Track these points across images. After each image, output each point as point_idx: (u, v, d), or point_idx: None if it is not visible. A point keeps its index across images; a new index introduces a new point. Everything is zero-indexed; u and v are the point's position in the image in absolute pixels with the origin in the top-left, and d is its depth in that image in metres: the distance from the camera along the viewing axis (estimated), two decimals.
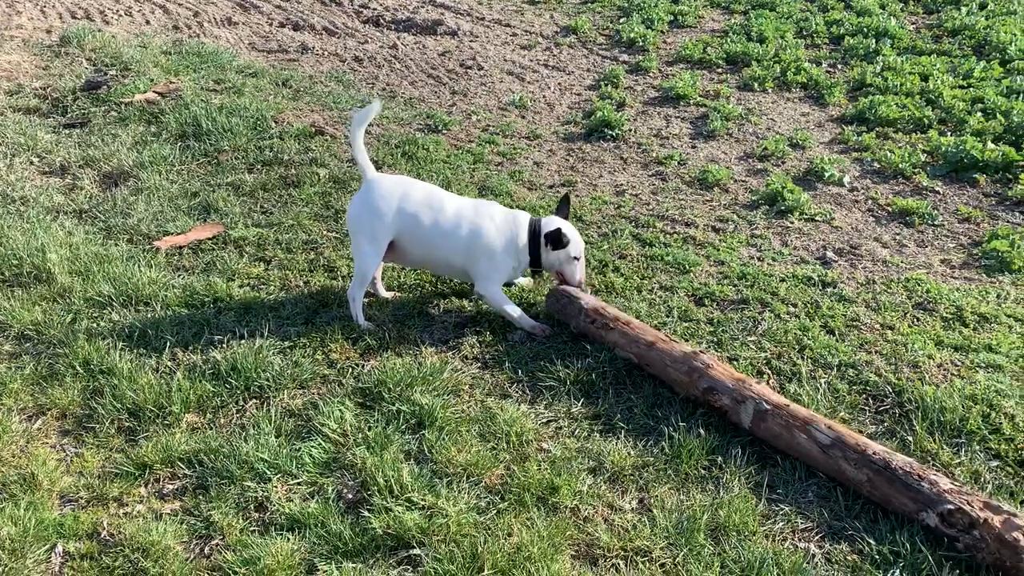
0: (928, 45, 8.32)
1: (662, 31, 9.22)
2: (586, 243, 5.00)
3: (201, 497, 3.20)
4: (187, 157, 6.04)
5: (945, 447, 3.35)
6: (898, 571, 2.82)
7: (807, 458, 3.26)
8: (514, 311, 4.18)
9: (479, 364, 3.98)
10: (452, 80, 7.89)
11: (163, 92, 7.08)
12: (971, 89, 7.11)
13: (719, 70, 8.14)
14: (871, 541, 2.94)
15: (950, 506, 2.86)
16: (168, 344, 4.00)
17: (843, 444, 3.16)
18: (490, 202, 4.32)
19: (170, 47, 8.32)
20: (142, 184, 5.63)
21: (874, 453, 3.10)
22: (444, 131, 6.64)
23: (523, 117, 7.09)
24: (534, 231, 4.20)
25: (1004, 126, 6.32)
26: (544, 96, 7.56)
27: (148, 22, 9.39)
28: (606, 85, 7.67)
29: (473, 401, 3.73)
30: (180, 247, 4.89)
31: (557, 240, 4.15)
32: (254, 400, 3.68)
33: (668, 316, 4.26)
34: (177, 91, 7.06)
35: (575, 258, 4.20)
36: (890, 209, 5.48)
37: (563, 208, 4.37)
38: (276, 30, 9.32)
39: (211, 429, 3.52)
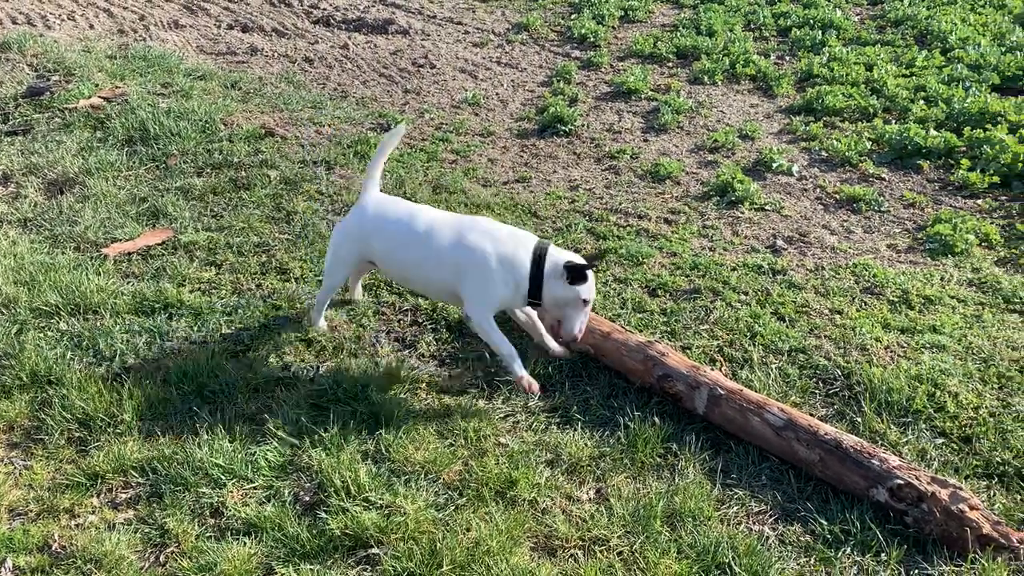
0: (872, 36, 8.48)
1: (613, 26, 9.28)
2: (541, 239, 5.01)
3: (155, 505, 3.16)
4: (135, 162, 5.94)
5: (893, 427, 3.42)
6: (849, 549, 2.89)
7: (761, 441, 3.31)
8: (504, 347, 3.66)
9: (436, 362, 3.98)
10: (404, 79, 7.86)
11: (109, 97, 6.95)
12: (914, 78, 7.27)
13: (670, 64, 8.22)
14: (823, 521, 3.00)
15: (899, 481, 2.93)
16: (118, 352, 3.94)
17: (795, 426, 3.22)
18: (488, 218, 3.91)
19: (115, 51, 8.17)
20: (88, 191, 5.53)
21: (825, 434, 3.16)
22: None
23: (476, 115, 7.09)
24: (538, 255, 3.64)
25: (946, 113, 6.47)
26: (497, 93, 7.57)
27: (92, 26, 9.21)
28: (558, 81, 7.70)
29: (431, 399, 3.73)
30: (129, 254, 4.81)
31: (578, 273, 3.57)
32: (207, 406, 3.63)
33: (622, 308, 4.30)
34: (123, 96, 6.94)
35: (584, 301, 3.62)
36: (838, 197, 5.58)
37: (590, 259, 3.78)
38: (224, 32, 9.20)
39: (164, 436, 3.47)
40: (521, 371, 3.65)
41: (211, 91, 7.22)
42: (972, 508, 2.83)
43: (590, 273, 3.60)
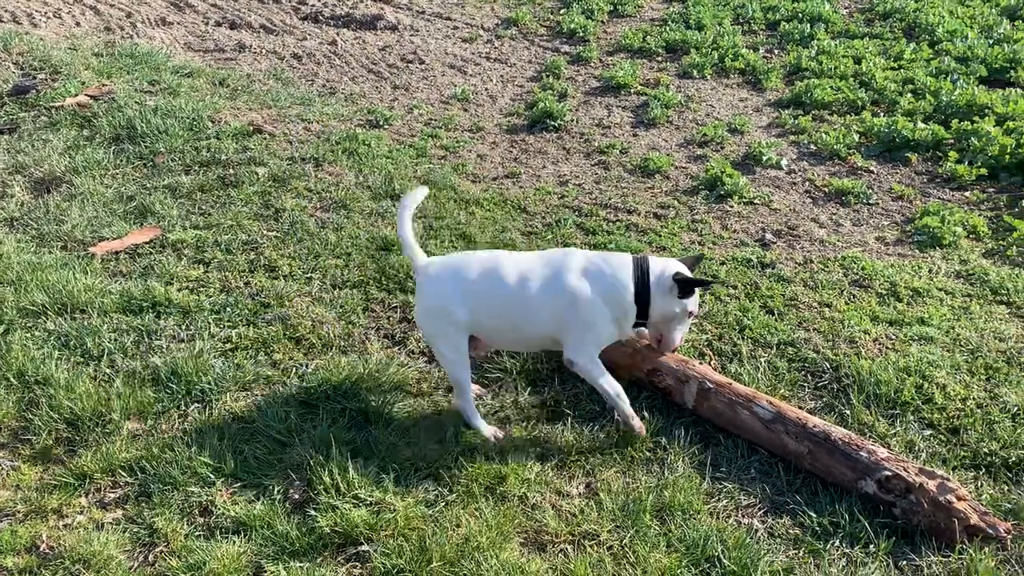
0: (860, 29, 8.49)
1: (602, 21, 9.27)
2: (531, 234, 5.02)
3: (144, 504, 3.15)
4: (122, 161, 5.91)
5: (881, 419, 3.43)
6: (838, 541, 2.90)
7: (750, 434, 3.32)
8: (613, 387, 3.37)
9: (425, 359, 3.98)
10: (393, 75, 7.84)
11: (95, 95, 6.92)
12: (902, 71, 7.29)
13: (659, 58, 8.21)
14: (811, 513, 3.00)
15: (887, 472, 2.94)
16: (106, 351, 3.92)
17: (784, 419, 3.23)
18: (569, 249, 3.56)
19: (102, 49, 8.13)
20: (76, 190, 5.50)
21: (814, 426, 3.17)
22: (386, 126, 6.60)
23: (465, 110, 7.07)
24: (641, 271, 3.34)
25: (934, 106, 6.49)
26: (486, 89, 7.56)
27: (79, 24, 9.15)
28: (548, 76, 7.69)
29: (420, 396, 3.72)
30: (116, 252, 4.79)
31: (689, 286, 3.33)
32: (196, 404, 3.62)
33: None
34: (110, 94, 6.91)
35: (690, 314, 3.43)
36: (826, 190, 5.59)
37: (691, 261, 3.56)
38: (212, 29, 9.15)
39: (153, 435, 3.46)
40: (631, 412, 3.38)
41: (199, 88, 7.19)
42: (959, 499, 2.85)
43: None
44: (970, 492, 3.05)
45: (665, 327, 3.45)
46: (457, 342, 3.40)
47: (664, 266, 3.37)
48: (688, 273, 3.39)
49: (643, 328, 3.50)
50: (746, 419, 3.31)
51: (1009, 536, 2.83)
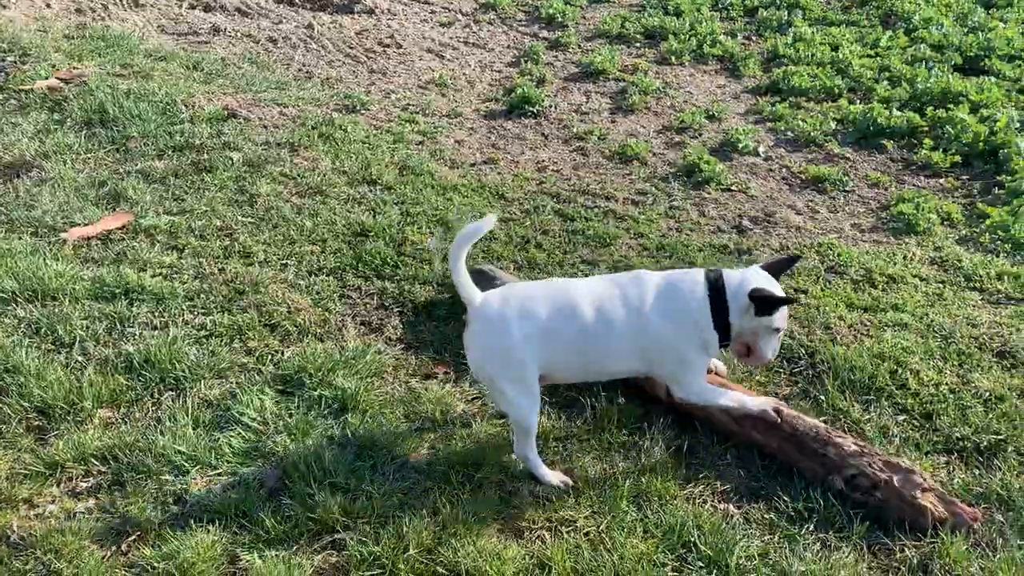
0: (838, 16, 8.52)
1: (581, 7, 9.23)
2: (508, 220, 5.00)
3: (117, 493, 3.11)
4: (93, 145, 5.82)
5: (856, 404, 3.46)
6: (812, 526, 2.92)
7: (723, 429, 3.33)
8: (733, 400, 3.16)
9: (403, 345, 3.96)
10: (370, 59, 7.77)
11: (66, 78, 6.79)
12: (878, 58, 7.33)
13: (637, 44, 8.20)
14: (786, 499, 3.03)
15: (853, 471, 2.95)
16: (78, 339, 3.86)
17: (752, 415, 3.23)
18: (638, 273, 3.19)
19: (73, 31, 7.97)
20: (46, 174, 5.40)
21: (783, 423, 3.17)
22: (363, 111, 6.54)
23: (443, 95, 7.03)
24: (715, 288, 3.04)
25: (909, 93, 6.53)
26: (464, 74, 7.51)
27: (49, 5, 8.97)
28: (526, 62, 7.66)
29: (397, 383, 3.71)
30: (88, 238, 4.71)
31: (767, 303, 3.02)
32: (170, 392, 3.58)
33: None
34: (81, 77, 6.78)
35: (776, 330, 3.11)
36: (803, 177, 5.61)
37: (780, 264, 3.28)
38: (186, 12, 9.01)
39: (126, 424, 3.42)
40: (756, 405, 3.15)
41: (172, 72, 7.08)
42: (925, 491, 2.86)
43: (778, 295, 3.06)
44: (942, 477, 3.09)
45: (752, 341, 3.12)
46: (528, 382, 3.05)
47: (741, 280, 3.02)
48: (770, 285, 3.04)
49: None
50: (717, 414, 3.32)
51: (977, 522, 2.86)
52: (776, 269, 3.16)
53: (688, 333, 3.05)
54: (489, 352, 3.09)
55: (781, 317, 3.09)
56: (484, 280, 4.10)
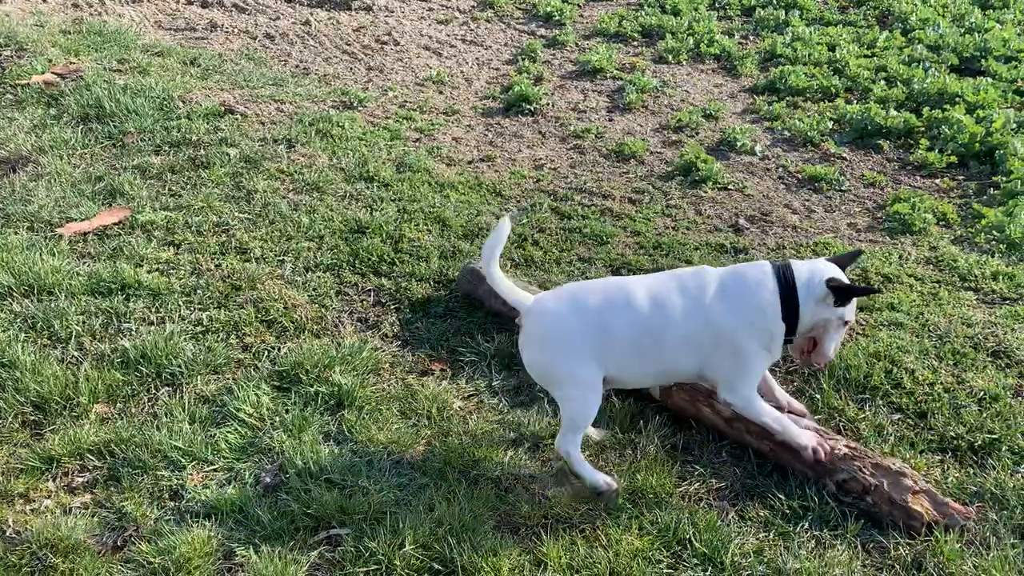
0: (835, 16, 8.53)
1: (578, 4, 9.22)
2: (506, 214, 4.99)
3: (113, 489, 3.11)
4: (90, 140, 5.80)
5: (851, 403, 3.47)
6: (807, 524, 2.93)
7: (714, 429, 3.34)
8: (776, 420, 3.02)
9: (399, 342, 3.96)
10: (367, 56, 7.76)
11: (63, 73, 6.77)
12: (875, 58, 7.34)
13: (635, 43, 8.20)
14: (781, 496, 3.04)
15: (844, 476, 2.96)
16: (74, 334, 3.86)
17: (743, 417, 3.23)
18: (700, 268, 3.13)
19: (70, 26, 7.95)
20: (42, 169, 5.39)
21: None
22: (360, 108, 6.54)
23: (441, 92, 7.02)
24: (785, 281, 2.94)
25: (906, 93, 6.55)
26: (462, 71, 7.51)
27: (45, 0, 8.95)
28: (524, 59, 7.65)
29: (394, 379, 3.71)
30: (84, 233, 4.70)
31: (847, 292, 2.94)
32: (166, 388, 3.58)
33: None
34: (78, 72, 6.77)
35: (846, 323, 3.04)
36: (800, 176, 5.63)
37: (847, 258, 3.21)
38: (183, 7, 8.99)
39: (122, 419, 3.42)
40: (797, 434, 3.01)
41: (169, 68, 7.07)
42: (916, 495, 2.86)
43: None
44: (936, 476, 3.10)
45: (820, 335, 3.04)
46: (589, 376, 2.98)
47: (812, 270, 2.96)
48: (842, 276, 2.99)
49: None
50: (708, 415, 3.32)
51: (970, 520, 2.87)
52: (842, 263, 3.07)
53: (753, 322, 2.93)
54: (547, 349, 3.03)
55: (852, 309, 3.02)
56: (476, 279, 4.10)
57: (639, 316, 2.97)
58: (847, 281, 3.00)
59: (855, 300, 3.03)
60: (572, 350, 2.99)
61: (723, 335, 2.94)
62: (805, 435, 3.01)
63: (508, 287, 3.11)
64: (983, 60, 7.06)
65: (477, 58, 7.83)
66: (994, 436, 3.27)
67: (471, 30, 8.57)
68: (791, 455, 3.09)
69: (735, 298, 2.96)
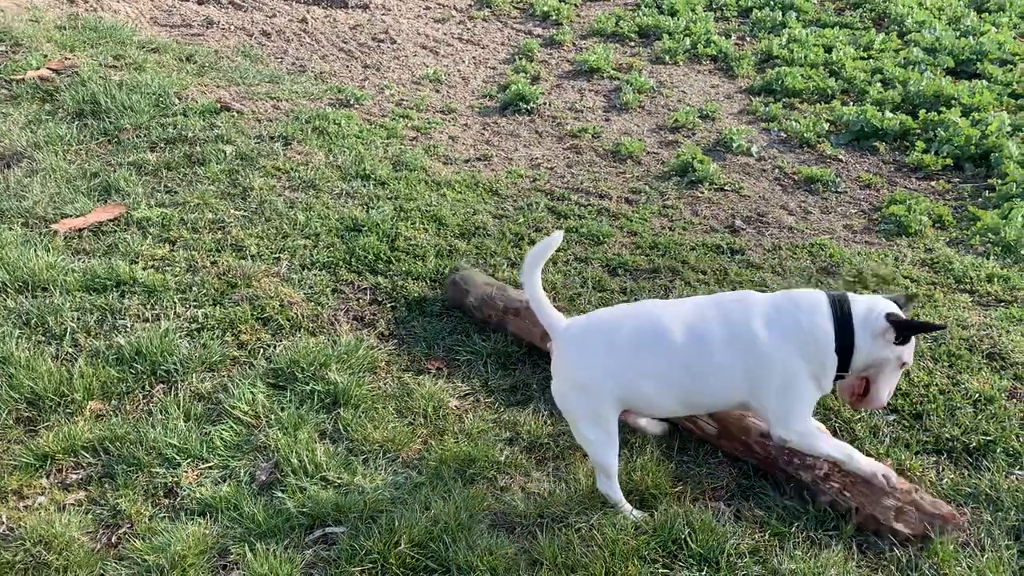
0: (831, 18, 8.54)
1: (576, 4, 9.22)
2: (502, 217, 5.00)
3: (107, 486, 3.10)
4: (85, 136, 5.78)
5: (846, 404, 3.47)
6: (802, 523, 2.93)
7: (704, 438, 3.33)
8: (840, 451, 2.87)
9: (395, 341, 3.96)
10: (364, 54, 7.74)
11: (58, 69, 6.75)
12: (871, 60, 7.35)
13: (632, 43, 8.20)
14: (776, 496, 3.04)
15: (829, 498, 2.95)
16: (69, 330, 3.85)
17: (728, 435, 3.22)
18: (745, 293, 2.96)
19: (65, 22, 7.92)
20: (37, 165, 5.37)
21: (755, 443, 3.14)
22: (356, 105, 6.53)
23: (437, 91, 7.02)
24: (842, 312, 2.77)
25: (902, 95, 6.56)
26: (459, 70, 7.50)
27: None
28: (521, 59, 7.65)
29: (390, 378, 3.70)
30: (79, 230, 4.69)
31: (909, 328, 2.77)
32: (161, 385, 3.57)
33: (583, 287, 4.30)
34: (73, 68, 6.74)
35: (903, 364, 2.87)
36: (796, 177, 5.63)
37: (903, 299, 2.96)
38: (179, 4, 8.96)
39: (116, 416, 3.41)
40: (867, 465, 2.87)
41: (165, 64, 7.05)
42: (900, 512, 2.83)
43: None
44: (931, 477, 3.11)
45: (876, 375, 2.85)
46: (606, 422, 2.88)
47: (871, 305, 2.79)
48: (901, 313, 2.80)
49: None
50: (697, 430, 3.32)
51: (958, 526, 2.85)
52: (899, 303, 2.87)
53: (805, 362, 2.75)
54: (572, 383, 2.92)
55: (911, 350, 2.84)
56: (461, 292, 4.08)
57: (676, 350, 2.81)
58: (906, 317, 2.81)
59: (914, 341, 2.85)
60: (595, 391, 2.86)
61: (770, 362, 2.76)
62: (872, 464, 2.88)
63: (543, 305, 2.95)
64: (979, 63, 7.08)
65: (474, 57, 7.82)
66: (989, 438, 3.27)
67: (468, 29, 8.56)
68: (780, 473, 3.07)
69: (788, 322, 2.77)
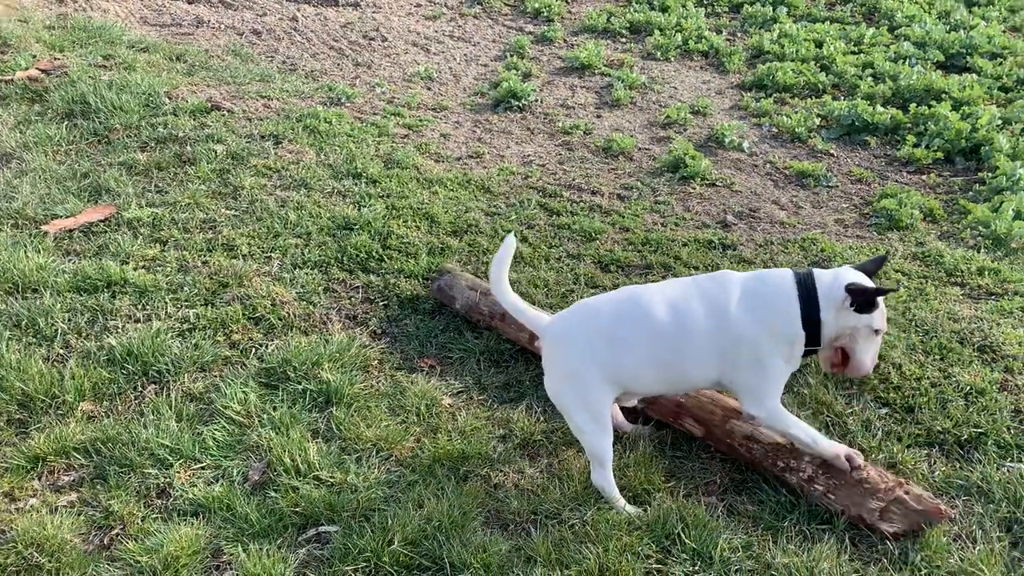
0: (822, 12, 8.56)
1: (567, 1, 9.22)
2: (494, 214, 5.00)
3: (99, 487, 3.09)
4: (75, 136, 5.76)
5: (839, 397, 3.48)
6: (795, 517, 2.93)
7: (692, 435, 3.32)
8: (806, 433, 2.90)
9: (388, 339, 3.95)
10: (355, 52, 7.73)
11: (47, 69, 6.72)
12: (862, 55, 7.37)
13: (623, 39, 8.21)
14: (769, 491, 3.04)
15: (815, 501, 2.94)
16: (59, 331, 3.83)
17: (712, 436, 3.22)
18: (721, 272, 3.02)
19: (54, 22, 7.89)
20: (27, 166, 5.35)
21: (740, 444, 3.14)
22: (347, 104, 6.51)
23: (429, 89, 7.01)
24: (806, 288, 2.84)
25: (892, 90, 6.58)
26: (450, 67, 7.49)
27: None
28: (512, 56, 7.64)
29: (382, 376, 3.70)
30: (70, 231, 4.67)
31: (866, 298, 2.81)
32: (153, 385, 3.56)
33: (575, 283, 4.30)
34: (62, 68, 6.71)
35: (876, 331, 2.90)
36: (787, 172, 5.64)
37: (872, 264, 3.00)
38: (169, 3, 8.93)
39: (108, 417, 3.40)
40: (830, 448, 2.90)
41: (155, 64, 7.02)
42: (884, 511, 2.83)
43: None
44: (923, 470, 3.11)
45: (851, 345, 2.90)
46: (598, 410, 2.92)
47: (834, 277, 2.85)
48: (865, 281, 2.86)
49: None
50: (684, 430, 3.32)
51: (945, 519, 2.85)
52: (868, 270, 2.93)
53: (773, 339, 2.82)
54: (558, 377, 2.98)
55: (881, 316, 2.87)
56: (448, 298, 4.08)
57: (656, 328, 2.88)
58: (869, 285, 2.86)
59: (883, 307, 2.88)
60: (583, 380, 2.91)
61: (743, 340, 2.83)
62: (835, 446, 2.92)
63: (521, 308, 3.02)
64: (969, 57, 7.11)
65: (465, 54, 7.81)
66: (980, 430, 3.28)
67: (459, 26, 8.55)
68: (765, 471, 3.07)
69: (755, 300, 2.85)
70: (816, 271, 2.91)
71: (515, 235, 2.99)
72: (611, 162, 5.78)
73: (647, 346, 2.89)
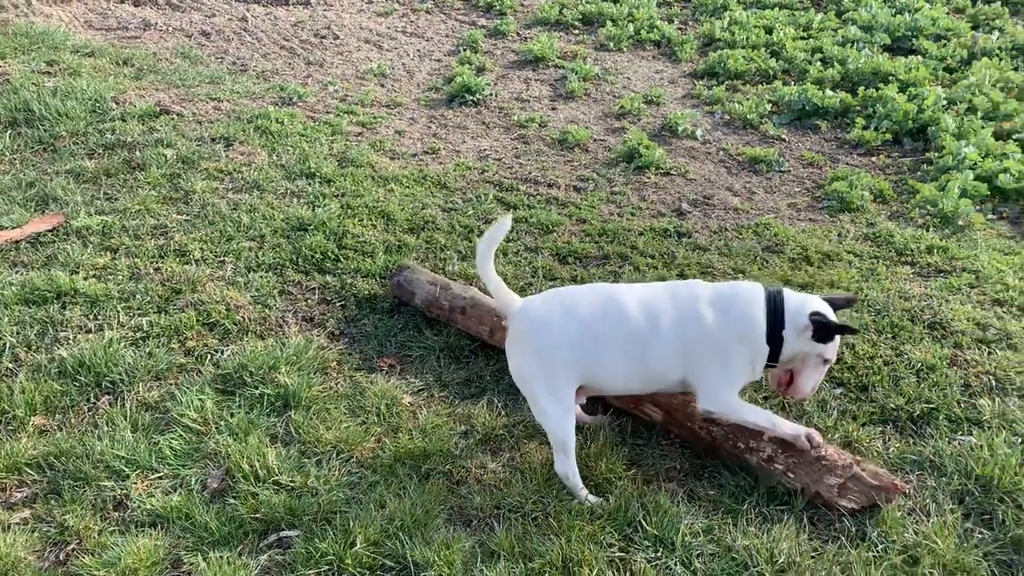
0: None
1: None
2: (451, 210, 4.98)
3: (54, 502, 3.03)
4: (19, 145, 5.63)
5: (775, 391, 3.52)
6: (754, 500, 2.97)
7: (652, 422, 3.35)
8: (762, 417, 2.99)
9: (346, 340, 3.92)
10: (306, 51, 7.65)
11: None
12: (811, 40, 7.46)
13: (576, 31, 8.22)
14: (728, 475, 3.08)
15: (774, 480, 2.99)
16: (8, 345, 3.75)
17: (674, 421, 3.26)
18: (693, 280, 3.15)
19: None
20: None
21: (700, 428, 3.17)
22: (299, 103, 6.45)
23: (382, 86, 6.96)
24: (774, 305, 2.96)
25: (841, 74, 6.67)
26: (403, 63, 7.45)
27: None
28: (465, 50, 7.62)
29: (341, 377, 3.67)
30: (16, 242, 4.56)
31: (826, 329, 2.93)
32: (106, 396, 3.50)
33: (533, 276, 4.30)
34: (4, 75, 6.56)
35: (826, 361, 3.05)
36: (740, 159, 5.70)
37: (841, 300, 3.12)
38: (114, 6, 8.77)
39: (61, 430, 3.33)
40: (790, 430, 2.97)
41: (101, 68, 6.89)
42: (842, 487, 2.88)
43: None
44: (878, 447, 3.17)
45: (800, 368, 3.04)
46: (564, 394, 2.97)
47: (802, 302, 2.97)
48: (830, 314, 2.98)
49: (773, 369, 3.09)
50: (644, 415, 3.35)
51: (899, 494, 2.91)
52: (836, 305, 3.05)
53: (741, 336, 2.93)
54: (533, 355, 2.98)
55: (834, 349, 3.01)
56: (407, 294, 4.05)
57: (631, 325, 2.95)
58: (832, 318, 2.97)
59: (837, 340, 3.02)
60: (551, 360, 2.96)
61: (710, 341, 2.93)
62: (795, 427, 2.99)
63: (497, 286, 3.07)
64: (914, 39, 7.23)
65: (418, 50, 7.77)
66: (932, 405, 3.35)
67: (411, 22, 8.50)
68: (726, 456, 3.11)
69: (728, 308, 2.95)
70: (786, 291, 3.01)
71: (509, 220, 3.07)
72: (567, 154, 5.79)
73: (622, 342, 2.96)
